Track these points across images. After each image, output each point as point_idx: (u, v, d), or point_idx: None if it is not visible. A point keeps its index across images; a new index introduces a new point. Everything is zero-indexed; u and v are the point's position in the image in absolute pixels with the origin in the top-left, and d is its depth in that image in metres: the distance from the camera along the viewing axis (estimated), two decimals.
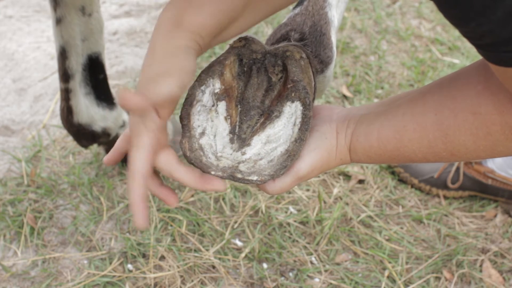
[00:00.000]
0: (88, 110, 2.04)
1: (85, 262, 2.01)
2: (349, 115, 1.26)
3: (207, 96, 1.22)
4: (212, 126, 1.22)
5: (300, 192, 2.24)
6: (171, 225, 2.10)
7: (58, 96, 2.64)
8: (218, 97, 1.23)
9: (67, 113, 2.05)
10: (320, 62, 1.48)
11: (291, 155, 1.18)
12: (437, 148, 1.14)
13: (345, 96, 2.72)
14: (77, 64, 1.97)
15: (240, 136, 1.23)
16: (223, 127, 1.23)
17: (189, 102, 1.21)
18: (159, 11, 3.21)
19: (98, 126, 2.08)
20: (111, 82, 2.13)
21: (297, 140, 1.18)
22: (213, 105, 1.23)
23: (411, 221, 2.19)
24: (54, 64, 2.84)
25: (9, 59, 2.90)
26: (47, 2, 2.80)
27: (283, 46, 1.27)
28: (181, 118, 1.21)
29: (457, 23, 0.95)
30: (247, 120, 1.24)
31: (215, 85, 1.23)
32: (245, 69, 1.27)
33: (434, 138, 1.13)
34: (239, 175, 1.18)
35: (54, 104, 2.61)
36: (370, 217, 2.19)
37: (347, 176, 2.33)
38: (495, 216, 2.24)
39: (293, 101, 1.21)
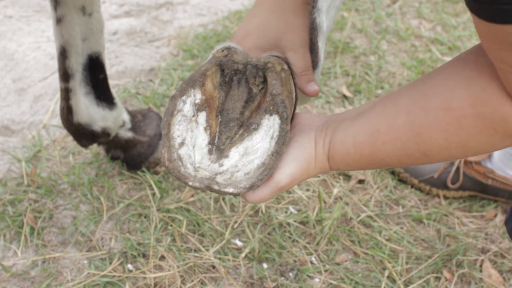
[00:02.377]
0: (88, 110, 2.04)
1: (85, 262, 2.01)
2: (327, 123, 1.27)
3: (188, 106, 1.24)
4: (192, 137, 1.24)
5: (300, 192, 2.24)
6: (171, 225, 2.10)
7: (58, 96, 2.64)
8: (198, 108, 1.25)
9: (67, 112, 2.05)
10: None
11: (267, 169, 1.19)
12: (411, 149, 1.14)
13: (345, 96, 2.72)
14: (77, 63, 1.97)
15: (219, 147, 1.24)
16: (202, 138, 1.24)
17: (169, 112, 1.23)
18: (159, 11, 3.22)
19: (98, 126, 2.08)
20: (111, 82, 2.13)
21: (274, 154, 1.19)
22: (193, 115, 1.24)
23: (411, 221, 2.19)
24: (54, 64, 2.84)
25: (9, 59, 2.90)
26: (47, 2, 2.80)
27: (265, 57, 1.30)
28: (161, 128, 1.23)
29: None
30: (226, 131, 1.26)
31: (196, 95, 1.25)
32: (227, 79, 1.29)
33: (406, 139, 1.13)
34: (216, 187, 1.19)
35: (54, 104, 2.61)
36: (370, 217, 2.19)
37: (347, 176, 2.33)
38: (495, 216, 2.24)
39: (271, 114, 1.22)
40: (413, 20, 3.30)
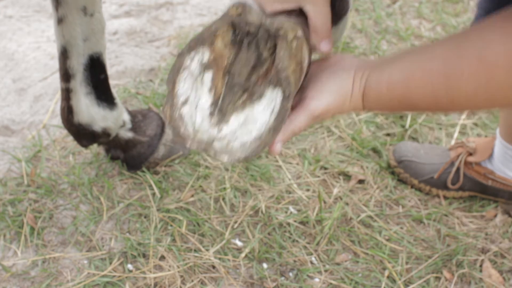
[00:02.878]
0: (89, 110, 2.05)
1: (85, 262, 2.01)
2: (367, 64, 1.31)
3: (195, 64, 1.23)
4: (196, 96, 1.23)
5: (300, 192, 2.24)
6: (171, 225, 2.10)
7: (58, 96, 2.64)
8: (206, 66, 1.24)
9: (68, 112, 2.05)
10: (334, 14, 1.47)
11: (262, 144, 1.21)
12: (440, 95, 1.18)
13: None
14: (78, 64, 1.97)
15: (221, 110, 1.24)
16: (205, 99, 1.24)
17: (176, 68, 1.23)
18: (159, 11, 3.22)
19: (98, 126, 2.08)
20: (111, 82, 2.13)
21: (271, 130, 1.20)
22: (199, 74, 1.23)
23: (411, 221, 2.19)
24: (54, 64, 2.84)
25: (9, 59, 2.90)
26: (48, 2, 2.80)
27: (279, 21, 1.26)
28: (166, 84, 1.23)
29: None
30: (230, 95, 1.25)
31: (205, 53, 1.24)
32: (238, 39, 1.27)
33: (437, 84, 1.16)
34: (212, 152, 1.22)
35: (54, 104, 2.61)
36: (370, 217, 2.19)
37: (347, 176, 2.33)
38: (495, 216, 2.24)
39: (275, 87, 1.22)
40: (413, 20, 3.30)
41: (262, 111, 1.22)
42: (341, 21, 1.50)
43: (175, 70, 1.23)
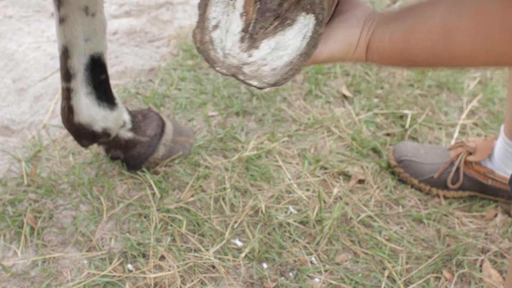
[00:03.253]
0: (89, 110, 2.05)
1: (85, 262, 2.01)
2: (377, 15, 1.30)
3: None
4: (227, 21, 1.23)
5: (300, 192, 2.24)
6: (171, 225, 2.10)
7: (58, 96, 2.64)
8: None
9: (68, 112, 2.06)
10: None
11: (293, 69, 1.20)
12: (439, 49, 1.18)
13: (345, 96, 2.72)
14: (79, 63, 1.98)
15: (252, 36, 1.23)
16: (236, 24, 1.24)
17: None
18: (159, 11, 3.22)
19: (98, 126, 2.08)
20: (111, 82, 2.13)
21: (303, 55, 1.20)
22: None
23: (411, 221, 2.19)
24: (54, 64, 2.84)
25: (9, 59, 2.90)
26: (48, 2, 2.80)
27: None
28: (198, 7, 1.22)
29: None
30: (262, 21, 1.24)
31: None
32: None
33: (437, 38, 1.16)
34: (241, 77, 1.21)
35: (54, 104, 2.61)
36: (370, 217, 2.19)
37: (347, 176, 2.33)
38: (495, 216, 2.24)
39: (308, 13, 1.21)
40: None
41: (294, 37, 1.22)
42: None
43: None
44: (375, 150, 2.46)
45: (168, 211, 2.15)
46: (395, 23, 1.24)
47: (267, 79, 1.20)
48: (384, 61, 1.30)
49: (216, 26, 1.22)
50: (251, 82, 1.20)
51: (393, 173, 2.36)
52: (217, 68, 1.21)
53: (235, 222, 2.13)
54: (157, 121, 2.29)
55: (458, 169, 2.27)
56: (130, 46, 3.04)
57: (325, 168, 2.35)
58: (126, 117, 2.21)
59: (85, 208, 2.17)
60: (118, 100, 2.13)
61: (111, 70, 2.82)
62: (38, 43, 3.02)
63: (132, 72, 2.85)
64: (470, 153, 2.26)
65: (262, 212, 2.16)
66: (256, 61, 1.22)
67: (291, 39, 1.22)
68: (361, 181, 2.32)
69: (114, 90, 2.14)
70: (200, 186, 2.24)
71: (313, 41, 1.20)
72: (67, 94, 2.03)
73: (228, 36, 1.23)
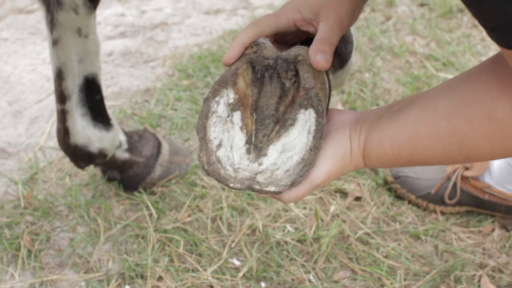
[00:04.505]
0: (85, 131, 2.05)
1: (83, 284, 2.00)
2: (361, 120, 1.27)
3: (222, 106, 1.23)
4: (229, 137, 1.23)
5: (297, 210, 2.24)
6: (169, 246, 2.10)
7: (54, 118, 2.64)
8: (232, 107, 1.24)
9: (64, 134, 2.06)
10: (340, 59, 1.48)
11: (307, 164, 1.18)
12: (453, 153, 1.15)
13: (340, 109, 2.72)
14: (73, 85, 1.98)
15: (257, 146, 1.23)
16: (239, 138, 1.24)
17: (204, 114, 1.23)
18: (154, 31, 3.23)
19: (94, 147, 2.08)
20: (107, 103, 2.13)
21: (312, 149, 1.19)
22: (228, 116, 1.24)
23: (409, 237, 2.19)
24: (49, 86, 2.85)
25: (5, 81, 2.90)
26: (43, 24, 2.81)
27: (295, 50, 1.28)
28: (197, 131, 1.22)
29: (471, 3, 0.94)
30: (263, 129, 1.25)
31: (229, 95, 1.24)
32: (258, 76, 1.27)
33: (449, 143, 1.14)
34: (257, 186, 1.19)
35: (50, 126, 2.61)
36: (367, 234, 2.19)
37: (344, 194, 2.33)
38: (493, 231, 2.24)
39: (306, 109, 1.21)
40: (407, 37, 3.31)
41: (299, 135, 1.21)
42: (346, 64, 1.51)
43: (204, 116, 1.23)
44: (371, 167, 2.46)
45: (165, 231, 2.14)
46: (392, 127, 1.21)
47: (283, 181, 1.19)
48: (387, 165, 1.27)
49: (219, 145, 1.22)
50: (268, 189, 1.18)
51: (390, 189, 2.36)
52: (231, 185, 1.19)
53: (233, 241, 2.13)
54: (153, 142, 2.29)
55: (455, 184, 2.27)
56: (126, 67, 3.05)
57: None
58: (122, 137, 2.21)
59: (82, 229, 2.17)
60: (113, 120, 2.13)
61: (106, 91, 2.82)
62: (34, 65, 3.02)
63: (128, 92, 2.85)
64: (466, 168, 2.26)
65: (259, 231, 2.16)
66: (268, 167, 1.21)
67: (296, 138, 1.21)
68: (358, 198, 2.32)
69: (110, 111, 2.14)
70: (197, 206, 2.24)
71: (319, 134, 1.19)
72: (63, 116, 2.03)
73: (234, 152, 1.23)
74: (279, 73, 1.27)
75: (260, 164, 1.21)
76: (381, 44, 3.22)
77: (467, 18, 3.46)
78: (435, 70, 3.02)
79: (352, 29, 1.52)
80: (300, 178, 1.18)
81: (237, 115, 1.24)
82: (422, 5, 3.60)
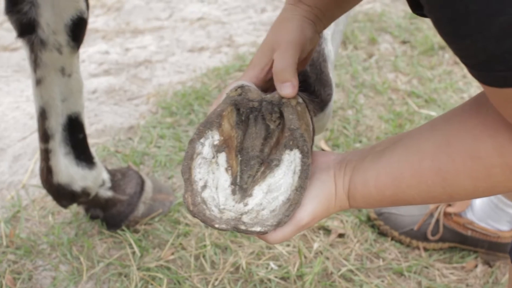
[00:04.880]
0: (68, 170, 2.05)
1: None
2: (345, 161, 1.27)
3: (207, 148, 1.24)
4: (214, 179, 1.24)
5: (280, 247, 2.24)
6: (152, 284, 2.09)
7: (37, 155, 2.64)
8: (217, 149, 1.24)
9: (47, 173, 2.06)
10: (320, 102, 1.49)
11: (293, 204, 1.19)
12: (436, 192, 1.16)
13: (323, 150, 2.74)
14: (56, 124, 1.98)
15: (242, 187, 1.23)
16: (224, 179, 1.24)
17: (189, 155, 1.23)
18: (138, 69, 3.24)
19: (77, 185, 2.08)
20: (91, 141, 2.14)
21: (298, 189, 1.19)
22: (213, 157, 1.24)
23: (392, 274, 2.19)
24: (33, 124, 2.85)
25: None
26: (27, 62, 2.82)
27: (279, 94, 1.29)
28: (182, 172, 1.22)
29: (452, 40, 0.95)
30: (248, 170, 1.25)
31: (214, 136, 1.25)
32: (243, 118, 1.28)
33: (432, 183, 1.14)
34: (243, 227, 1.19)
35: (33, 164, 2.61)
36: (351, 271, 2.19)
37: (327, 230, 2.33)
38: (476, 266, 2.24)
39: (291, 149, 1.22)
40: (389, 74, 3.34)
41: (284, 175, 1.22)
42: (327, 107, 1.52)
43: (189, 157, 1.23)
44: None
45: (148, 269, 2.13)
46: (376, 168, 1.21)
47: (269, 221, 1.19)
48: (372, 206, 1.27)
49: (204, 186, 1.23)
50: (253, 229, 1.18)
51: (373, 226, 2.37)
52: (216, 226, 1.19)
53: (216, 279, 2.12)
54: (136, 179, 2.30)
55: (437, 220, 2.28)
56: (109, 104, 3.06)
57: None
58: (105, 176, 2.21)
59: (64, 268, 2.16)
60: (96, 159, 2.13)
61: (90, 129, 2.83)
62: (18, 103, 3.03)
63: (112, 130, 2.86)
64: (449, 205, 2.27)
65: (242, 268, 2.15)
66: (253, 208, 1.21)
67: (281, 179, 1.22)
68: (341, 235, 2.32)
69: (93, 149, 2.14)
70: (180, 243, 2.24)
71: (304, 174, 1.20)
72: (46, 155, 2.03)
73: (219, 193, 1.23)
74: (263, 115, 1.28)
75: (246, 205, 1.22)
76: (364, 81, 3.25)
77: (449, 55, 3.50)
78: (417, 106, 3.05)
79: (331, 72, 1.54)
80: (286, 218, 1.19)
81: (222, 157, 1.25)
82: (404, 42, 3.64)
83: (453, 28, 0.92)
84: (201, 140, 1.24)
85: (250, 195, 1.22)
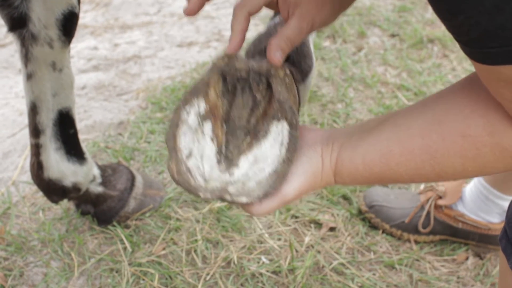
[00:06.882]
0: (59, 165, 2.04)
1: None
2: (333, 137, 1.27)
3: (192, 116, 1.23)
4: (199, 148, 1.22)
5: (271, 241, 2.24)
6: (143, 279, 2.08)
7: (27, 152, 2.63)
8: (203, 117, 1.23)
9: (38, 168, 2.05)
10: (300, 72, 1.48)
11: (280, 176, 1.18)
12: (425, 170, 1.16)
13: (310, 127, 2.74)
14: (47, 119, 1.98)
15: (227, 157, 1.22)
16: (209, 148, 1.23)
17: (174, 123, 1.22)
18: (127, 64, 3.23)
19: (68, 181, 2.07)
20: (81, 137, 2.13)
21: (285, 161, 1.19)
22: (198, 125, 1.23)
23: (383, 267, 2.20)
24: (22, 120, 2.84)
25: None
26: (15, 59, 2.81)
27: (267, 64, 1.27)
28: (167, 140, 1.21)
29: (446, 17, 0.95)
30: (234, 140, 1.24)
31: (200, 105, 1.23)
32: (229, 87, 1.27)
33: (421, 161, 1.15)
34: (228, 197, 1.18)
35: (23, 160, 2.60)
36: (342, 264, 2.19)
37: (318, 224, 2.33)
38: (467, 259, 2.25)
39: (279, 121, 1.21)
40: (378, 67, 3.35)
41: (271, 147, 1.21)
42: (307, 78, 1.52)
43: (174, 125, 1.22)
44: (345, 198, 2.47)
45: (139, 265, 2.13)
46: (365, 145, 1.21)
47: (255, 192, 1.18)
48: (358, 182, 1.27)
49: (189, 155, 1.21)
50: (239, 199, 1.18)
51: (364, 219, 2.37)
52: (201, 195, 1.18)
53: (208, 274, 2.12)
54: (127, 175, 2.29)
55: (428, 213, 2.28)
56: (99, 100, 3.05)
57: (296, 217, 2.36)
58: (96, 171, 2.21)
59: (56, 264, 2.15)
60: (87, 154, 2.13)
61: (80, 125, 2.82)
62: (6, 99, 3.01)
63: (101, 126, 2.85)
64: (440, 197, 2.28)
65: (234, 263, 2.15)
66: (239, 178, 1.20)
67: (268, 150, 1.21)
68: (332, 229, 2.33)
69: (84, 145, 2.14)
70: (172, 238, 2.23)
71: (292, 146, 1.19)
72: (36, 150, 2.02)
73: (204, 162, 1.22)
74: (251, 85, 1.27)
75: (231, 175, 1.21)
76: (353, 75, 3.25)
77: (438, 48, 3.50)
78: (406, 100, 3.06)
79: (311, 43, 1.53)
80: (272, 190, 1.18)
81: (207, 126, 1.24)
82: (393, 36, 3.65)
83: (447, 5, 0.92)
84: (187, 108, 1.23)
85: (236, 165, 1.21)
